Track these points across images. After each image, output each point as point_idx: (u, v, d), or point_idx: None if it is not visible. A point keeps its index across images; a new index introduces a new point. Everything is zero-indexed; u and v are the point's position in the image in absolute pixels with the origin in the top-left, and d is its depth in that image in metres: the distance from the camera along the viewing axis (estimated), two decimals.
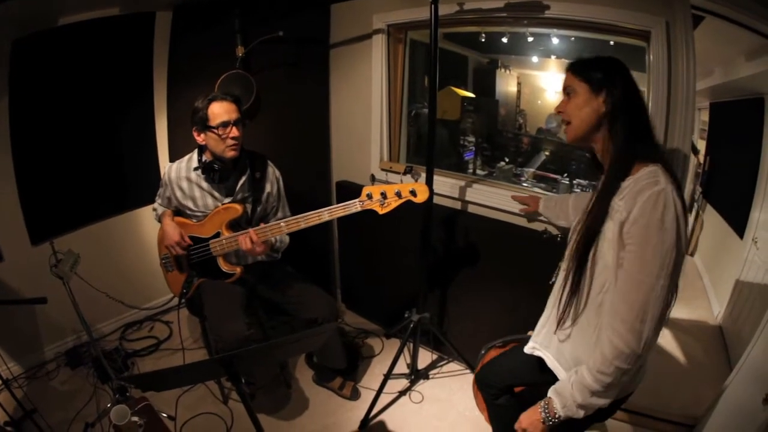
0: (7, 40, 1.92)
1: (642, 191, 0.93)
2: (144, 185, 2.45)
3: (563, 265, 1.19)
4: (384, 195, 1.54)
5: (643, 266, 0.92)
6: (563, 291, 1.12)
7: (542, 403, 1.09)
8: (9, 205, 2.10)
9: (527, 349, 1.32)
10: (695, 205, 4.26)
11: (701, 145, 4.33)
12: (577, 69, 1.08)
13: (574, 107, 1.07)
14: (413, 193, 1.54)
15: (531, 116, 2.57)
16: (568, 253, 1.16)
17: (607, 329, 0.98)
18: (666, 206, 0.90)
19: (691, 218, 4.44)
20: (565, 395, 1.04)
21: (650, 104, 1.60)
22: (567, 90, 1.10)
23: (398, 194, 1.54)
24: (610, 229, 0.99)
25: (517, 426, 1.15)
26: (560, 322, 1.14)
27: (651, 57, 1.58)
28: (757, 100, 2.83)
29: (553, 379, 1.20)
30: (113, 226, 2.51)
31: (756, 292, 2.51)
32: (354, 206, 1.56)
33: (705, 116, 4.19)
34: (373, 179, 1.71)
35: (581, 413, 1.02)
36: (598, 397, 1.00)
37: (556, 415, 1.06)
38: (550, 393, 1.09)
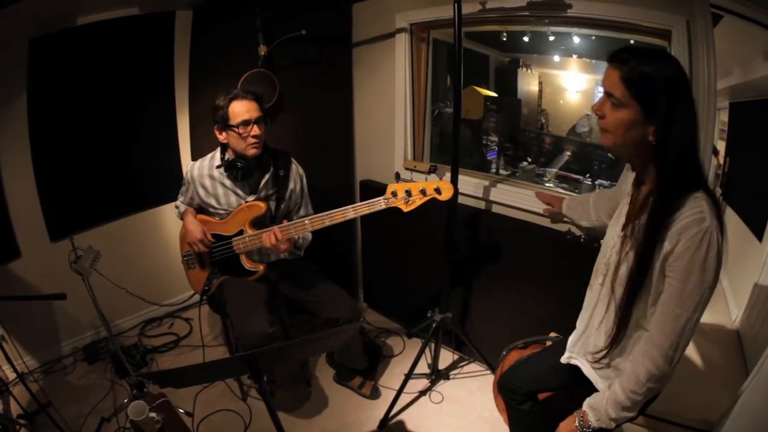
0: (25, 39, 1.93)
1: (688, 228, 0.90)
2: (165, 183, 2.47)
3: (597, 280, 1.17)
4: (409, 193, 1.54)
5: (682, 300, 0.93)
6: (605, 316, 1.13)
7: (578, 414, 1.13)
8: (28, 202, 2.13)
9: (564, 360, 1.31)
10: None
11: (720, 146, 4.28)
12: (627, 77, 0.88)
13: (619, 123, 0.93)
14: (438, 191, 1.53)
15: (553, 116, 2.56)
16: (602, 268, 1.14)
17: (643, 355, 1.01)
18: (710, 246, 0.89)
19: None
20: (600, 410, 1.08)
21: None
22: (612, 99, 0.92)
23: (423, 192, 1.54)
24: (656, 259, 0.98)
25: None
26: (606, 354, 1.14)
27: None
28: None
29: (582, 382, 1.22)
30: (134, 224, 2.53)
31: None
32: (379, 204, 1.56)
33: (724, 116, 4.14)
34: (398, 177, 1.70)
35: (613, 425, 1.08)
36: (628, 411, 1.05)
37: (590, 427, 1.10)
38: (585, 407, 1.12)
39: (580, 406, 1.14)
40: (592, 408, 1.10)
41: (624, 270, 1.04)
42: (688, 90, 0.92)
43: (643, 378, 1.00)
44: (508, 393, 1.46)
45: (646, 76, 0.88)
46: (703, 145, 1.58)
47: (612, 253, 1.10)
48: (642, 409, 1.15)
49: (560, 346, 1.35)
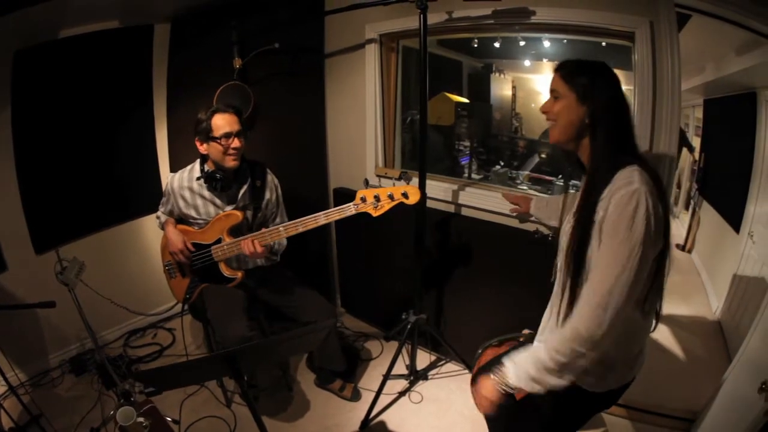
0: (9, 51, 1.97)
1: (617, 191, 0.97)
2: (145, 194, 2.50)
3: (556, 268, 1.22)
4: (377, 198, 1.59)
5: (611, 257, 0.96)
6: (563, 296, 1.13)
7: (496, 368, 1.11)
8: (12, 215, 2.15)
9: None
10: (692, 202, 4.28)
11: (696, 143, 4.35)
12: (565, 74, 1.09)
13: (560, 111, 1.09)
14: (405, 195, 1.59)
15: (526, 119, 2.61)
16: (561, 256, 1.18)
17: (574, 313, 1.01)
18: (638, 204, 0.94)
19: (687, 216, 4.46)
20: (519, 365, 1.06)
21: (636, 102, 1.64)
22: (554, 93, 1.11)
23: (391, 197, 1.59)
24: (594, 230, 1.02)
25: (473, 388, 1.18)
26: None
27: (636, 56, 1.63)
28: (749, 94, 2.86)
29: None
30: (114, 236, 2.56)
31: (753, 286, 2.53)
32: (349, 209, 1.62)
33: (699, 113, 4.21)
34: (366, 183, 1.75)
35: (537, 388, 1.03)
36: (551, 375, 1.01)
37: (509, 384, 1.08)
38: (504, 360, 1.10)
39: (551, 399, 1.14)
40: (512, 362, 1.08)
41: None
42: (613, 80, 1.08)
43: (568, 335, 0.98)
44: None
45: (576, 71, 1.09)
46: (668, 140, 1.64)
47: (566, 239, 1.15)
48: (613, 397, 1.15)
49: (532, 342, 1.37)
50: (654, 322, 1.14)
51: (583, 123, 1.07)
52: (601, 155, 1.05)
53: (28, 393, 2.12)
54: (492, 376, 1.11)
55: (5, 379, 1.87)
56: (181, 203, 1.87)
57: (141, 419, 1.47)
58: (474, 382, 1.52)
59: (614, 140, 1.04)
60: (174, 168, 2.45)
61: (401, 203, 1.60)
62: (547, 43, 2.22)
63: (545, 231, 1.87)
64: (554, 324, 1.21)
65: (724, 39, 2.31)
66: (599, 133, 1.05)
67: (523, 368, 1.05)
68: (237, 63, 2.25)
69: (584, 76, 1.06)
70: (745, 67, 2.42)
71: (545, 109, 1.14)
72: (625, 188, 0.96)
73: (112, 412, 1.99)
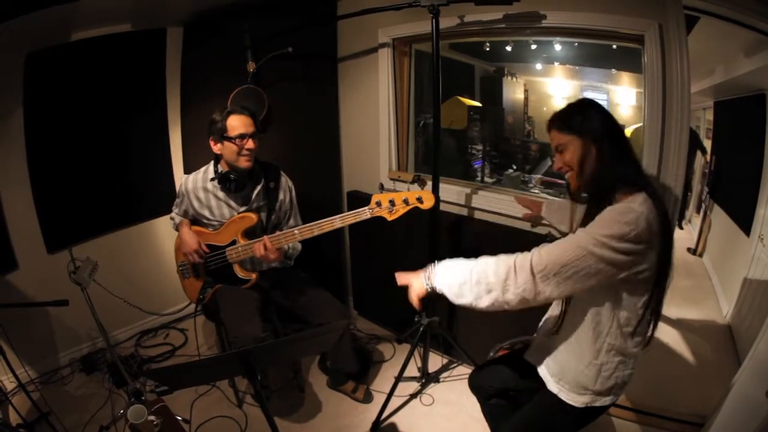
0: (21, 53, 1.99)
1: (617, 205, 1.03)
2: (159, 196, 2.52)
3: None
4: (392, 202, 1.60)
5: (586, 234, 1.01)
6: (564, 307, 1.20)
7: (429, 268, 1.19)
8: (25, 214, 2.18)
9: (526, 355, 1.39)
10: (702, 205, 4.26)
11: (707, 145, 4.32)
12: (559, 126, 1.14)
13: (572, 157, 1.12)
14: (420, 200, 1.60)
15: (539, 123, 2.60)
16: None
17: (528, 252, 1.06)
18: (636, 219, 0.97)
19: (698, 219, 4.44)
20: (440, 268, 1.15)
21: (646, 104, 1.65)
22: (558, 148, 1.15)
23: (405, 201, 1.60)
24: None
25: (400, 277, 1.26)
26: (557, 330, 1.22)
27: (645, 59, 1.64)
28: (759, 96, 2.84)
29: (541, 386, 1.27)
30: (128, 236, 2.58)
31: (763, 289, 2.51)
32: (364, 213, 1.63)
33: (710, 115, 4.19)
34: (381, 188, 1.76)
35: (445, 289, 1.13)
36: (453, 287, 1.10)
37: (429, 277, 1.18)
38: (438, 264, 1.18)
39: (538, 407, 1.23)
40: (443, 268, 1.16)
41: None
42: (601, 108, 1.13)
43: (512, 262, 1.02)
44: (477, 390, 1.55)
45: (566, 116, 1.15)
46: (678, 143, 1.64)
47: None
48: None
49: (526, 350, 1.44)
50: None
51: (595, 159, 1.10)
52: (607, 166, 1.08)
53: (38, 390, 2.15)
54: (423, 273, 1.19)
55: (15, 375, 1.89)
56: (196, 204, 1.89)
57: (152, 417, 1.47)
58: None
59: (616, 151, 1.09)
60: (188, 170, 2.47)
61: (416, 207, 1.61)
62: (558, 47, 2.23)
63: (557, 235, 1.87)
64: (551, 326, 1.26)
65: (733, 40, 2.31)
66: (602, 148, 1.09)
67: (448, 267, 1.14)
68: (251, 66, 2.27)
69: (575, 116, 1.12)
70: (754, 68, 2.41)
71: (557, 166, 1.17)
72: (627, 204, 1.01)
73: (122, 411, 2.01)
